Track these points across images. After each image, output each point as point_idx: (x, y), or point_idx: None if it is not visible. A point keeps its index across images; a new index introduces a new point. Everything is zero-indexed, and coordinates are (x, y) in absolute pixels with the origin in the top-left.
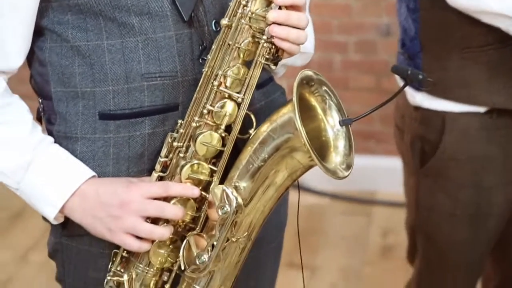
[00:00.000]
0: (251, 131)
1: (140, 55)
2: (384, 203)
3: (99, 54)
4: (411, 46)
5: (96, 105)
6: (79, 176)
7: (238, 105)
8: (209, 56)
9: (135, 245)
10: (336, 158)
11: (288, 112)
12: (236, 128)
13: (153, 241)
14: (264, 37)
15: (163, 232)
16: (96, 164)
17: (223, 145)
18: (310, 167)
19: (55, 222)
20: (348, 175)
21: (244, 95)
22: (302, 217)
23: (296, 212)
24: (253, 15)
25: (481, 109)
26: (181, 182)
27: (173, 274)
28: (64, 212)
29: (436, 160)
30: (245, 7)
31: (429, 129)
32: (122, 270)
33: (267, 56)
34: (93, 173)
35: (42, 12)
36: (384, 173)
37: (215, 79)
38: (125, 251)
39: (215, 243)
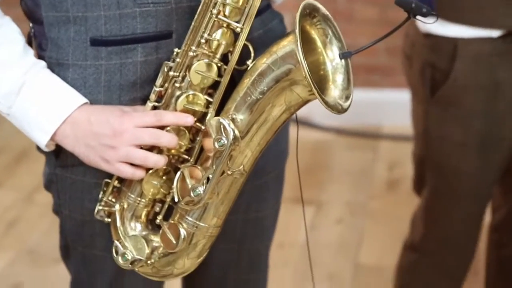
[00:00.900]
0: (249, 62)
1: None
2: (389, 136)
3: None
4: None
5: (88, 31)
6: (71, 102)
7: (237, 34)
8: None
9: (129, 171)
10: (334, 92)
11: (289, 44)
12: (234, 58)
13: (147, 171)
14: None
15: (157, 159)
16: (87, 92)
17: (220, 75)
18: (309, 101)
19: (46, 150)
20: (347, 109)
21: (243, 24)
22: (308, 153)
23: (302, 149)
24: None
25: (494, 34)
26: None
27: (166, 206)
28: (56, 139)
29: (447, 88)
30: None
31: (440, 56)
32: (113, 200)
33: None
34: (85, 100)
35: None
36: (389, 106)
37: (214, 7)
38: (117, 181)
39: (210, 176)
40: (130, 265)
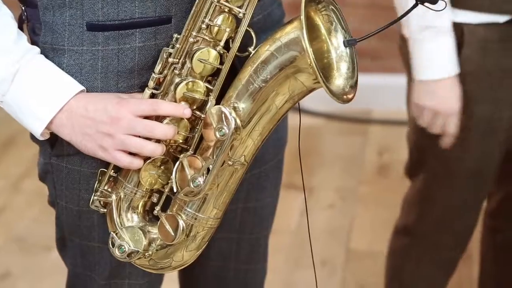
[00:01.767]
0: (251, 48)
1: None
2: (379, 121)
3: None
4: None
5: (84, 15)
6: (68, 90)
7: (238, 20)
8: None
9: (126, 160)
10: (339, 81)
11: (294, 30)
12: (236, 45)
13: (145, 161)
14: None
15: (154, 147)
16: (83, 78)
17: (221, 63)
18: (313, 89)
19: (41, 138)
20: (352, 98)
21: (246, 10)
22: (297, 138)
23: (293, 134)
24: None
25: (501, 19)
26: (175, 100)
27: (164, 196)
28: (52, 127)
29: None
30: None
31: None
32: (109, 190)
33: None
34: (82, 87)
35: None
36: (379, 91)
37: None
38: (113, 170)
39: (210, 166)
40: (127, 257)
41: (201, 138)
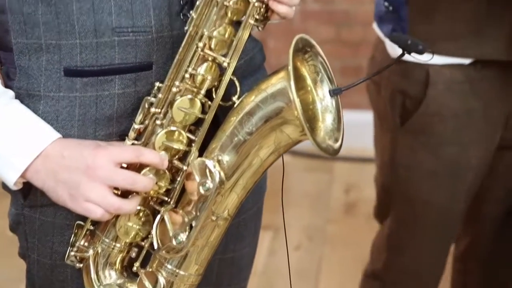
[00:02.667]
0: (235, 98)
1: (112, 5)
2: (345, 158)
3: (66, 2)
4: None
5: (62, 60)
6: (43, 138)
7: (222, 68)
8: (194, 14)
9: (98, 212)
10: (324, 132)
11: (280, 81)
12: (220, 94)
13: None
14: None
15: (132, 208)
16: (60, 126)
17: (203, 112)
18: (299, 142)
19: (14, 188)
20: (338, 150)
21: (230, 59)
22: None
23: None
24: None
25: (466, 61)
26: (154, 150)
27: (144, 251)
28: (26, 175)
29: (419, 116)
30: None
31: (412, 83)
32: (86, 245)
33: (257, 17)
34: (59, 135)
35: None
36: (345, 127)
37: (200, 40)
38: (90, 223)
39: (193, 223)
40: None
41: (183, 190)
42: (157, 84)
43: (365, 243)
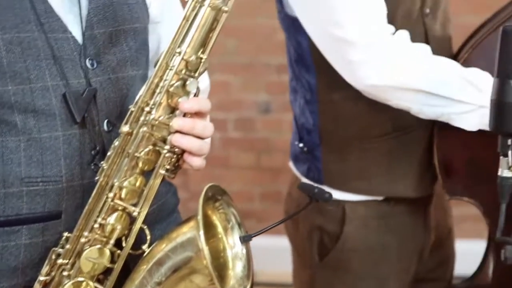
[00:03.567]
0: (145, 246)
1: (21, 156)
2: (264, 284)
3: None
4: (310, 139)
5: None
6: None
7: (133, 218)
8: (104, 165)
9: None
10: (233, 280)
11: (190, 230)
12: (129, 244)
13: None
14: (167, 146)
15: None
16: None
17: (113, 261)
18: None
19: None
20: None
21: (140, 208)
22: None
23: None
24: (156, 122)
25: (379, 197)
26: None
27: None
28: None
29: (337, 252)
30: (148, 114)
31: (329, 219)
32: None
33: (168, 167)
34: None
35: None
36: (264, 252)
37: (110, 190)
38: None
39: None
40: None
41: None
42: (66, 234)
43: None
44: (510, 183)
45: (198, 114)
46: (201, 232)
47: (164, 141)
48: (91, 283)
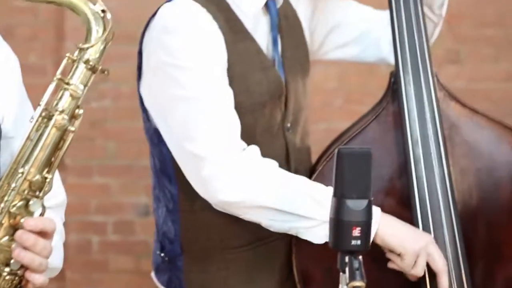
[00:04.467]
0: None
1: None
2: None
3: None
4: (172, 249)
5: None
6: None
7: None
8: None
9: None
10: None
11: None
12: None
13: None
14: (7, 269)
15: None
16: None
17: None
18: None
19: None
20: None
21: None
22: None
23: None
24: None
25: None
26: None
27: None
28: None
29: None
30: None
31: None
32: None
33: None
34: None
35: None
36: None
37: None
38: None
39: None
40: None
41: None
42: None
43: None
44: None
45: (42, 234)
46: None
47: (7, 263)
48: None
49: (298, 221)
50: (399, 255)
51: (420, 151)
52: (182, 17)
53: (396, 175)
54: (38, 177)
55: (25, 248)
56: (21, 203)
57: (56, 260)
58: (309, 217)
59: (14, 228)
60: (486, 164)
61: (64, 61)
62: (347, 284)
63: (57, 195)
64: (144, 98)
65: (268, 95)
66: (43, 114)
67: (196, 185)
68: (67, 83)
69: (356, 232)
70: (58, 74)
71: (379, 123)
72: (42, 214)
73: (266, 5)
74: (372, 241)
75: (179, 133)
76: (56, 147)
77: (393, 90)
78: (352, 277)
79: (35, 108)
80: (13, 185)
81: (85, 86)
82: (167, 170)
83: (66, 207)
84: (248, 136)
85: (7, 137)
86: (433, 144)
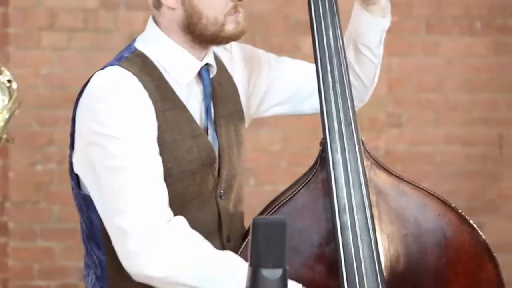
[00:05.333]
0: None
1: None
2: None
3: None
4: None
5: None
6: None
7: None
8: None
9: None
10: None
11: None
12: None
13: None
14: None
15: None
16: None
17: None
18: None
19: None
20: None
21: None
22: None
23: None
24: None
25: None
26: None
27: None
28: None
29: None
30: None
31: None
32: None
33: None
34: None
35: None
36: None
37: None
38: None
39: None
40: None
41: None
42: None
43: None
44: None
45: None
46: None
47: None
48: None
49: None
50: None
51: (347, 218)
52: (112, 85)
53: (324, 242)
54: None
55: None
56: None
57: None
58: None
59: None
60: (412, 231)
61: None
62: None
63: None
64: (75, 165)
65: (199, 163)
66: None
67: (122, 258)
68: None
69: None
70: None
71: (309, 190)
72: None
73: (200, 74)
74: None
75: (110, 204)
76: None
77: (322, 157)
78: None
79: None
80: None
81: None
82: (95, 237)
83: (9, 272)
84: (178, 204)
85: None
86: (360, 211)
